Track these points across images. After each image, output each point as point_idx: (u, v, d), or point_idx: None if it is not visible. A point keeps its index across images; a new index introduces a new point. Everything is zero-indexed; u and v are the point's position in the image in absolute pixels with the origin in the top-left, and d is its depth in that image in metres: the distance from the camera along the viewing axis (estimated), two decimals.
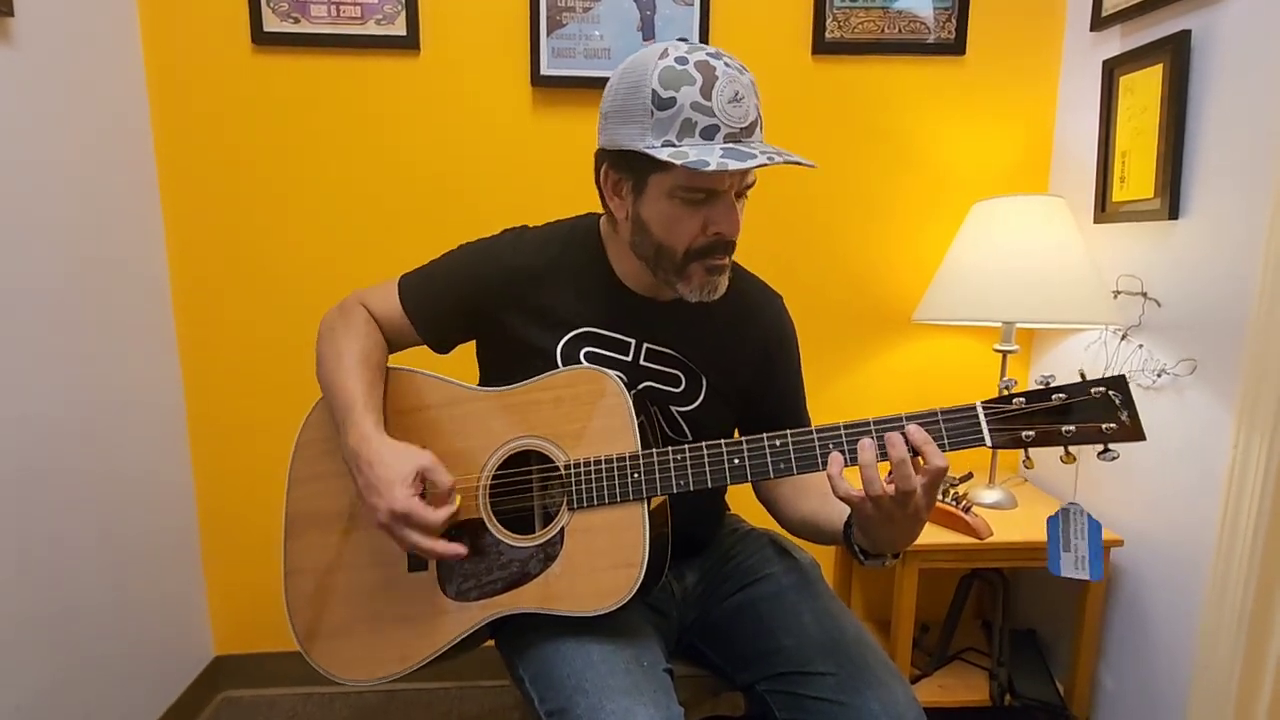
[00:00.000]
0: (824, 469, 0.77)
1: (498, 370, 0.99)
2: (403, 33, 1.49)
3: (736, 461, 0.81)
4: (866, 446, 0.75)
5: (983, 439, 0.74)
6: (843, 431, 0.78)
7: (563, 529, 0.85)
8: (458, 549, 0.82)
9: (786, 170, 1.59)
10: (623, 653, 0.83)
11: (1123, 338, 1.37)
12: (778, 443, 0.80)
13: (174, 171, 1.52)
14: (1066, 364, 1.55)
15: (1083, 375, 0.73)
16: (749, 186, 0.85)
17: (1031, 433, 0.73)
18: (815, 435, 0.79)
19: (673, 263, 0.85)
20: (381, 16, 1.49)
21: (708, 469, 0.82)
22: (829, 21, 1.54)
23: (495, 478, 0.90)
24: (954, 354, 1.67)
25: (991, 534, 1.33)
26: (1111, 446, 0.72)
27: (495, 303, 0.95)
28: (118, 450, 1.38)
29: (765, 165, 0.78)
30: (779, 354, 1.02)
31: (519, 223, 1.03)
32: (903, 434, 0.74)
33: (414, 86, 1.52)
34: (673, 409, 0.95)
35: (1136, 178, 1.33)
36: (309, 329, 1.69)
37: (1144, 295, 1.32)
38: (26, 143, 1.17)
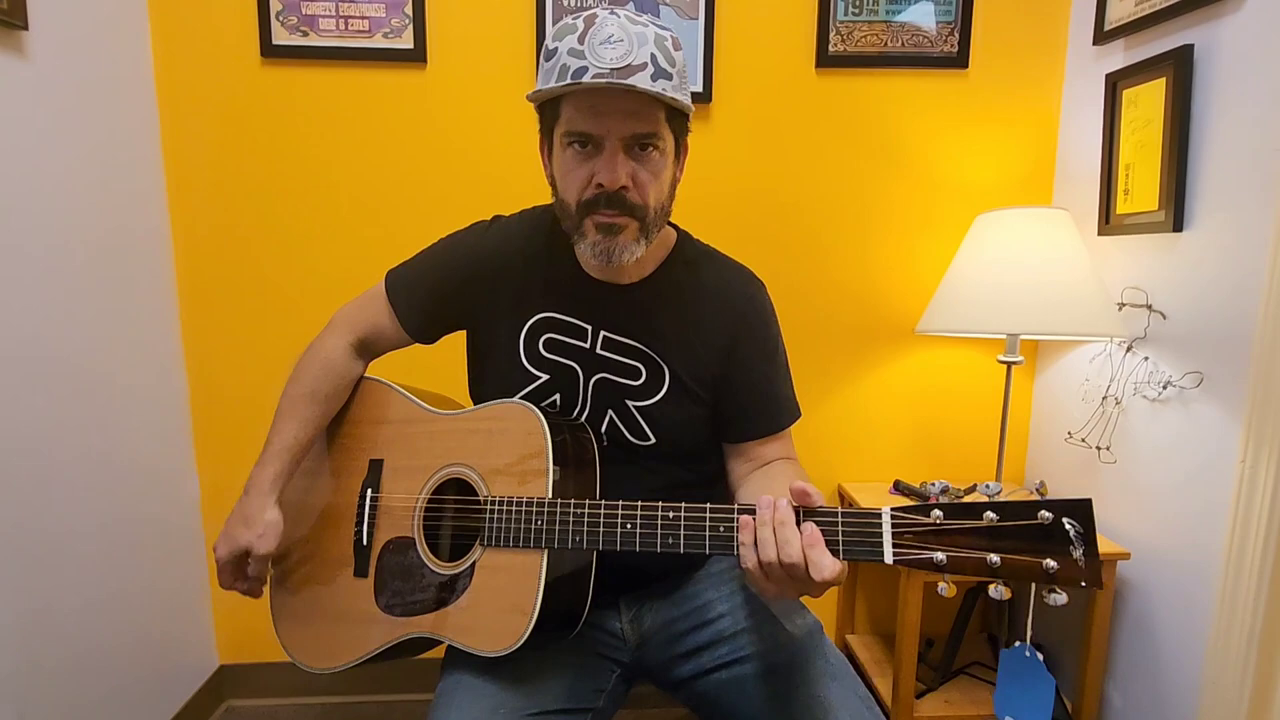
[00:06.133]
0: (708, 551, 0.73)
1: (473, 365, 1.01)
2: (410, 46, 1.50)
3: (629, 527, 0.76)
4: (746, 525, 0.69)
5: (881, 554, 0.63)
6: (736, 515, 0.72)
7: (474, 563, 0.85)
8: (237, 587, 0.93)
9: (789, 182, 1.60)
10: (515, 701, 0.84)
11: (1128, 350, 1.37)
12: (670, 514, 0.75)
13: (183, 182, 1.53)
14: (1071, 376, 1.54)
15: (1041, 493, 0.62)
16: (644, 139, 0.80)
17: (942, 557, 0.61)
18: (708, 513, 0.73)
19: (571, 219, 0.84)
20: (389, 30, 1.50)
21: (601, 531, 0.78)
22: (832, 35, 1.55)
23: (433, 501, 0.91)
24: (958, 366, 1.67)
25: None
26: (1057, 589, 0.59)
27: (463, 291, 0.96)
28: (122, 458, 1.38)
29: (600, 84, 0.75)
30: (747, 340, 0.94)
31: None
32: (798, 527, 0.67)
33: (421, 99, 1.54)
34: (631, 405, 0.92)
35: (1140, 190, 1.33)
36: None
37: (1149, 307, 1.32)
38: (40, 153, 1.18)
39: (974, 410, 1.67)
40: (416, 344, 1.02)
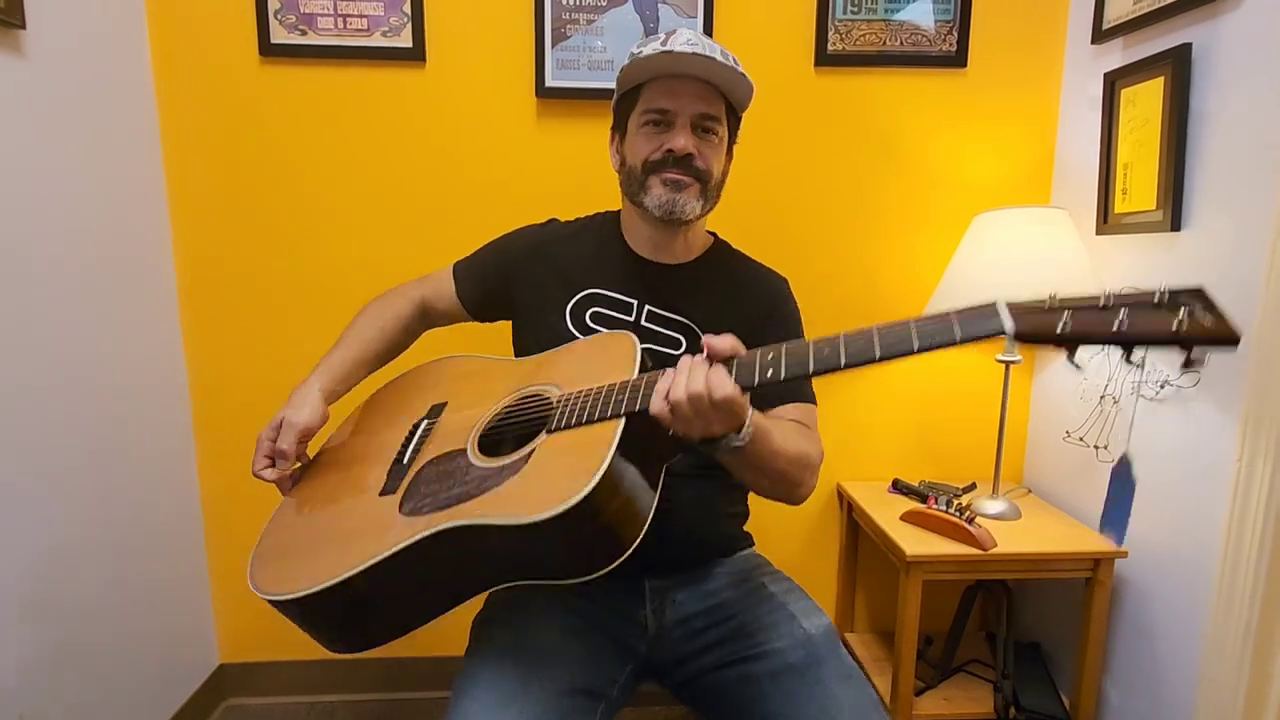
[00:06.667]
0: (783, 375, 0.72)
1: (519, 341, 1.07)
2: (409, 44, 1.50)
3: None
4: (666, 375, 0.74)
5: (1000, 326, 0.63)
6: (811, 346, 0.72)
7: (532, 450, 0.80)
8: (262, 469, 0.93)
9: (787, 181, 1.60)
10: (538, 682, 0.85)
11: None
12: (770, 355, 0.73)
13: (182, 181, 1.53)
14: (1069, 375, 1.55)
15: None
16: (708, 120, 0.95)
17: (1066, 319, 0.61)
18: (796, 349, 0.72)
19: (637, 180, 0.97)
20: (387, 28, 1.50)
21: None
22: (831, 34, 1.55)
23: (499, 419, 0.91)
24: (956, 365, 1.67)
25: (995, 545, 1.33)
26: (1194, 353, 0.58)
27: (516, 267, 1.06)
28: (123, 457, 1.38)
29: (687, 51, 0.90)
30: (772, 322, 1.02)
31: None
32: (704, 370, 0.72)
33: (419, 97, 1.53)
34: None
35: (1138, 189, 1.33)
36: (315, 338, 1.69)
37: None
38: (38, 151, 1.18)
39: (972, 409, 1.67)
40: (471, 322, 1.13)
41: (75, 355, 1.26)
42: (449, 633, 1.76)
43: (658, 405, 0.72)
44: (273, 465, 0.93)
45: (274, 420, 0.94)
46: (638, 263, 1.03)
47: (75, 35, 1.27)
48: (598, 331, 0.98)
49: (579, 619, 0.95)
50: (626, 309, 1.00)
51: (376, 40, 1.50)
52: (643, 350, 0.86)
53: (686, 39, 0.92)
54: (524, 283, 1.05)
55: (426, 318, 1.13)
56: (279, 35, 1.49)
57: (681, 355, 0.94)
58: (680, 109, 0.94)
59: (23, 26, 1.13)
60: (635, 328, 0.98)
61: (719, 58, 0.92)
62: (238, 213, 1.55)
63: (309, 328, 1.59)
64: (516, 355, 1.07)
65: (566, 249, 1.06)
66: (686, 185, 0.94)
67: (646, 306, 1.00)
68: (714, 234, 1.10)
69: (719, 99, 0.96)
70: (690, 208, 0.95)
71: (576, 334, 0.99)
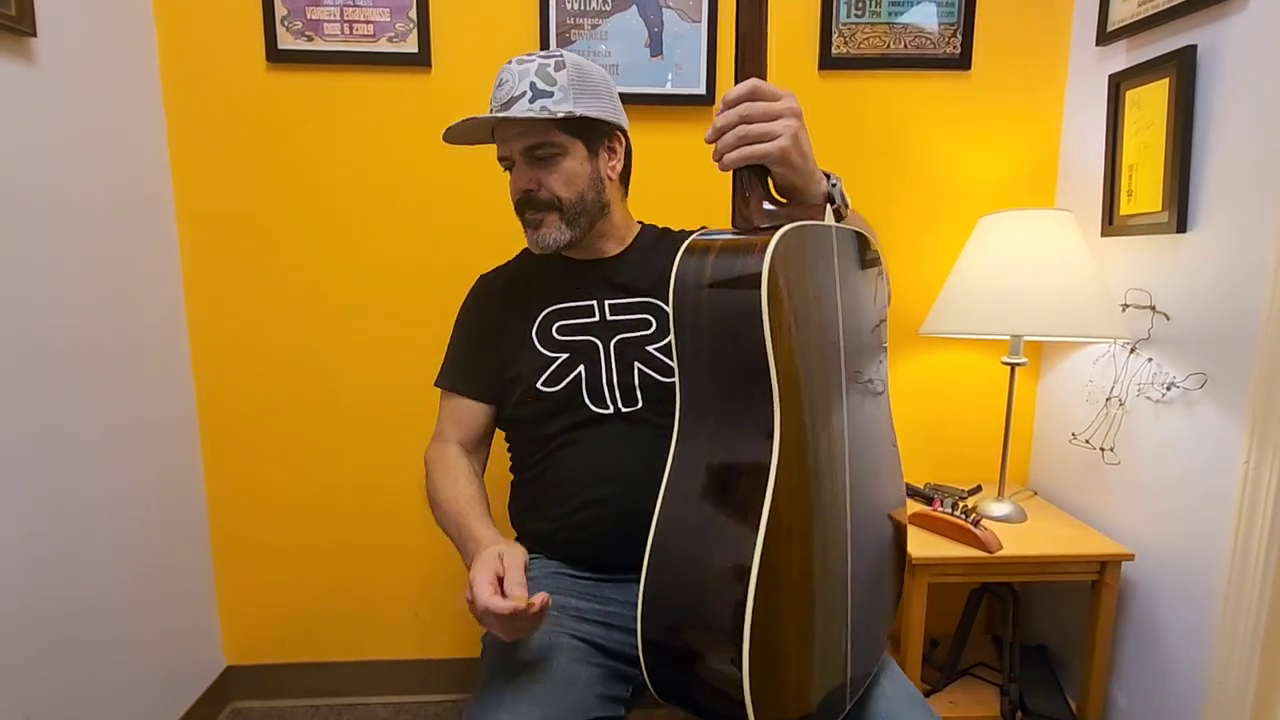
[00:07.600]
0: None
1: (500, 378, 1.06)
2: (414, 50, 1.51)
3: None
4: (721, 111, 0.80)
5: None
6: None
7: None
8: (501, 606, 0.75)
9: None
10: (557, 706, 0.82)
11: (1131, 351, 1.37)
12: None
13: (190, 187, 1.54)
14: (1075, 377, 1.54)
15: None
16: (536, 149, 0.99)
17: None
18: None
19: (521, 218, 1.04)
20: (393, 34, 1.51)
21: None
22: (835, 37, 1.55)
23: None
24: (961, 367, 1.67)
25: (1001, 548, 1.32)
26: None
27: (482, 329, 1.09)
28: (131, 461, 1.39)
29: (479, 118, 0.98)
30: None
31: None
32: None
33: (425, 103, 1.54)
34: (652, 349, 1.02)
35: (1144, 191, 1.33)
36: (323, 344, 1.70)
37: (1152, 309, 1.32)
38: (47, 158, 1.19)
39: (978, 412, 1.67)
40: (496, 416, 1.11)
41: (80, 359, 1.27)
42: (455, 633, 1.77)
43: (724, 147, 0.80)
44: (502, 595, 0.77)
45: (477, 576, 0.78)
46: (578, 266, 1.08)
47: (85, 42, 1.28)
48: (568, 344, 1.02)
49: (588, 625, 0.95)
50: (588, 312, 1.05)
51: (382, 46, 1.51)
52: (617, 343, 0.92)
53: (499, 83, 0.99)
54: (493, 332, 1.08)
55: (471, 449, 1.08)
56: (286, 41, 1.50)
57: (653, 334, 1.01)
58: (511, 151, 1.01)
59: (33, 34, 1.15)
60: (603, 324, 1.03)
61: (524, 107, 0.95)
62: (245, 217, 1.56)
63: (315, 332, 1.60)
64: (495, 399, 1.08)
65: (513, 288, 1.10)
66: (542, 220, 1.00)
67: (605, 301, 1.05)
68: (642, 222, 1.14)
69: (544, 125, 0.98)
70: (554, 238, 1.00)
71: (548, 351, 1.03)
